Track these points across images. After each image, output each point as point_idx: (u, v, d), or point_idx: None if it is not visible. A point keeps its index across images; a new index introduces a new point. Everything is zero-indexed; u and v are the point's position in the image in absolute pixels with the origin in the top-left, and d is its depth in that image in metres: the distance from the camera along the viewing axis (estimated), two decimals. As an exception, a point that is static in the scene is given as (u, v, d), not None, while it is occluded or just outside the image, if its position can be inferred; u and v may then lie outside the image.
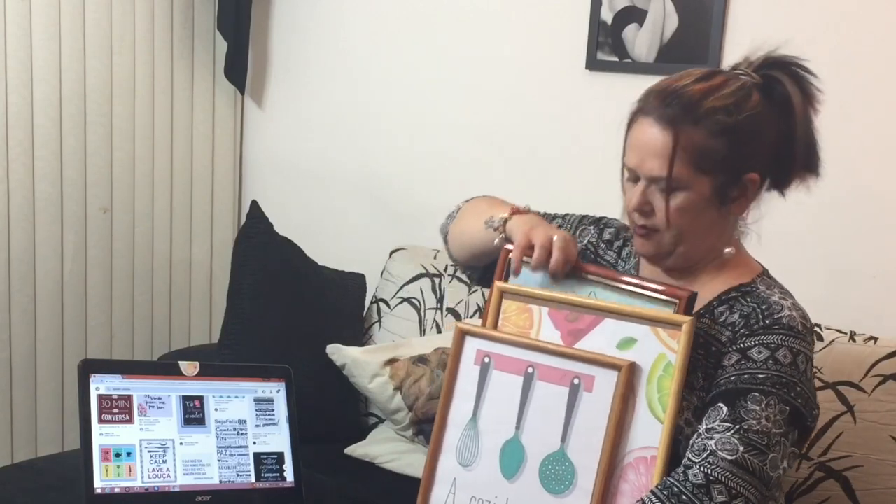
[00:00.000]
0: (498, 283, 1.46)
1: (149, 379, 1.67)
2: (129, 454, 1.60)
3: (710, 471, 1.23)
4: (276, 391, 1.75)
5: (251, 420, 1.71)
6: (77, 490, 1.57)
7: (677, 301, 1.34)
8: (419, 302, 2.41)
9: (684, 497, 1.22)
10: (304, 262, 2.45)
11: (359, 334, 2.48)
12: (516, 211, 1.52)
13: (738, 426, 1.26)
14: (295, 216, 2.83)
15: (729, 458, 1.24)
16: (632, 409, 1.30)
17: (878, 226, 1.95)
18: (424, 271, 2.43)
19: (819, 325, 1.80)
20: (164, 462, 1.62)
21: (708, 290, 1.41)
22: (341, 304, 2.46)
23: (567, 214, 1.64)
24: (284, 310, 2.34)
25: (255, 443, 1.70)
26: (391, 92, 2.76)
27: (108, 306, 2.86)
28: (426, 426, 2.15)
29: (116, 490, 1.57)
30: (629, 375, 1.29)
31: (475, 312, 2.26)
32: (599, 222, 1.60)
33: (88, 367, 1.63)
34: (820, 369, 1.74)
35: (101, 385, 1.62)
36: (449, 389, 1.45)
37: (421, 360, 2.21)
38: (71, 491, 1.63)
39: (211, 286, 3.14)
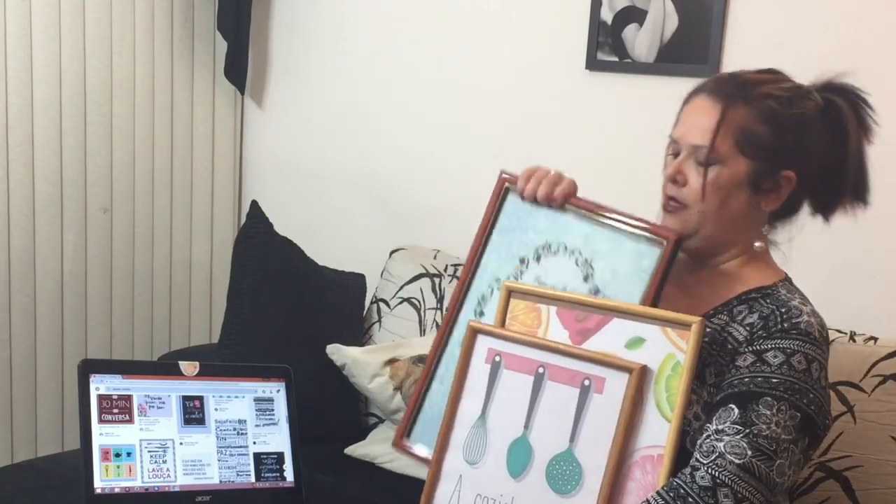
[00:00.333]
0: (507, 283, 1.47)
1: (149, 379, 1.67)
2: (129, 454, 1.60)
3: (717, 473, 1.23)
4: (276, 391, 1.75)
5: (251, 420, 1.71)
6: (77, 490, 1.57)
7: (664, 241, 1.38)
8: (419, 302, 2.41)
9: (690, 499, 1.22)
10: (304, 262, 2.45)
11: (359, 334, 2.48)
12: None
13: (748, 430, 1.25)
14: (295, 216, 2.83)
15: (737, 461, 1.23)
16: (640, 409, 1.30)
17: (878, 226, 1.94)
18: (424, 271, 2.43)
19: (819, 325, 1.80)
20: (164, 462, 1.62)
21: (729, 288, 1.42)
22: (341, 304, 2.46)
23: None
24: (284, 310, 2.34)
25: (255, 443, 1.70)
26: (391, 92, 2.76)
27: (108, 306, 2.86)
28: (426, 426, 2.15)
29: (116, 490, 1.57)
30: (640, 378, 1.29)
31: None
32: None
33: (88, 367, 1.63)
34: (820, 369, 1.74)
35: (101, 385, 1.62)
36: (458, 387, 1.45)
37: (421, 360, 2.21)
38: (71, 491, 1.63)
39: (211, 286, 3.14)
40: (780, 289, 1.40)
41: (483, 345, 1.44)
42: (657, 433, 1.27)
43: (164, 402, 1.65)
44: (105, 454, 1.58)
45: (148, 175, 2.91)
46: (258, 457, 1.69)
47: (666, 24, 2.17)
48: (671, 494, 1.23)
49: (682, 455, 1.27)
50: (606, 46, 2.28)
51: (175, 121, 2.96)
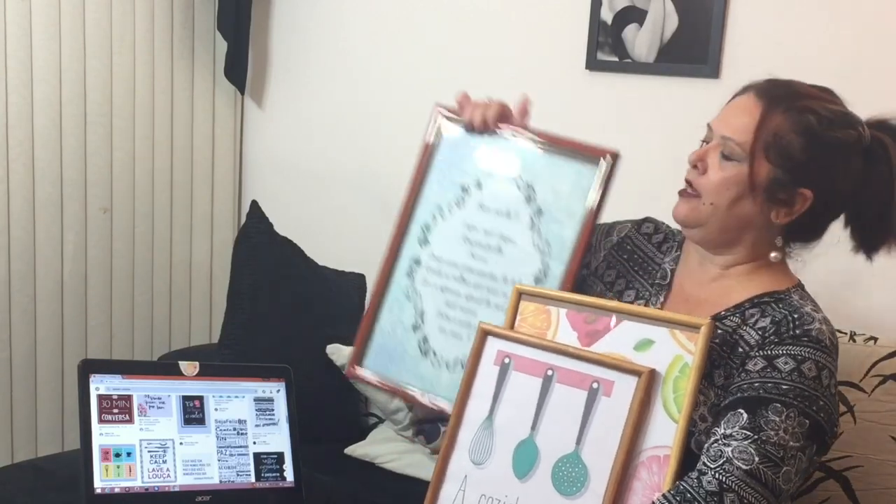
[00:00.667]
0: (517, 286, 1.48)
1: (149, 379, 1.67)
2: (129, 454, 1.60)
3: (724, 479, 1.23)
4: (276, 391, 1.75)
5: (251, 420, 1.71)
6: (77, 490, 1.57)
7: (602, 157, 1.46)
8: (419, 302, 2.41)
9: (696, 503, 1.22)
10: (304, 262, 2.45)
11: (359, 334, 2.48)
12: None
13: (756, 436, 1.25)
14: (295, 216, 2.83)
15: (744, 467, 1.23)
16: (647, 410, 1.30)
17: (878, 226, 1.94)
18: (424, 271, 2.43)
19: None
20: (164, 462, 1.62)
21: (741, 290, 1.41)
22: (341, 304, 2.46)
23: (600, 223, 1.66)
24: (284, 310, 2.34)
25: (255, 443, 1.70)
26: (391, 92, 2.76)
27: (108, 306, 2.86)
28: (426, 426, 2.15)
29: (116, 490, 1.57)
30: (649, 382, 1.29)
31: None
32: (636, 220, 1.62)
33: (88, 367, 1.63)
34: (820, 369, 1.74)
35: (101, 385, 1.62)
36: (467, 388, 1.45)
37: (421, 360, 2.21)
38: (71, 491, 1.62)
39: (211, 286, 3.14)
40: (793, 294, 1.40)
41: (493, 346, 1.45)
42: (664, 434, 1.27)
43: (164, 402, 1.65)
44: (105, 454, 1.58)
45: (148, 175, 2.91)
46: (258, 457, 1.69)
47: (666, 24, 2.17)
48: (678, 498, 1.23)
49: (686, 456, 1.28)
50: (606, 46, 2.28)
51: (175, 121, 2.96)
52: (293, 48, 2.99)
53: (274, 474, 1.70)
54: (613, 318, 1.37)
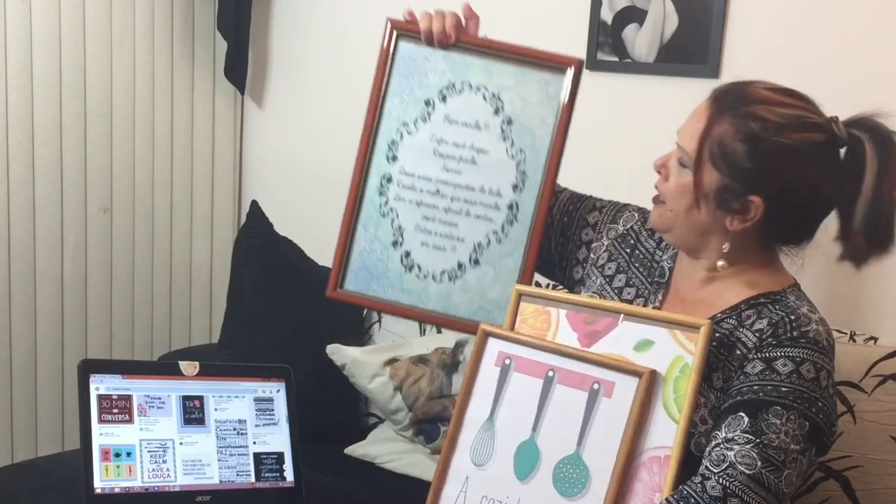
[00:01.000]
0: (517, 287, 1.49)
1: (149, 379, 1.67)
2: (129, 454, 1.60)
3: (728, 484, 1.23)
4: (276, 391, 1.75)
5: (251, 420, 1.71)
6: (77, 490, 1.57)
7: (569, 66, 1.51)
8: (419, 302, 2.41)
9: None
10: (304, 262, 2.45)
11: (359, 334, 2.48)
12: None
13: (758, 440, 1.25)
14: (295, 216, 2.82)
15: (747, 472, 1.23)
16: (648, 411, 1.30)
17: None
18: (424, 271, 2.43)
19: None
20: (164, 462, 1.62)
21: (737, 291, 1.41)
22: (341, 304, 2.46)
23: (612, 200, 1.66)
24: (284, 310, 2.34)
25: (255, 443, 1.70)
26: (391, 92, 2.76)
27: (108, 306, 2.86)
28: (426, 426, 2.15)
29: (116, 490, 1.57)
30: (649, 383, 1.29)
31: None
32: (644, 211, 1.60)
33: (88, 367, 1.63)
34: (820, 369, 1.74)
35: (101, 385, 1.62)
36: (468, 389, 1.45)
37: (421, 360, 2.21)
38: (71, 491, 1.63)
39: (211, 286, 3.14)
40: (789, 295, 1.39)
41: (494, 347, 1.45)
42: (664, 434, 1.27)
43: (164, 402, 1.65)
44: (105, 454, 1.58)
45: (148, 175, 2.91)
46: (258, 457, 1.69)
47: (666, 24, 2.17)
48: (682, 503, 1.23)
49: (686, 458, 1.28)
50: (606, 46, 2.28)
51: (175, 121, 2.96)
52: (293, 48, 2.99)
53: (274, 474, 1.70)
54: (613, 319, 1.37)
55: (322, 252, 2.54)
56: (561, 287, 1.68)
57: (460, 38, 1.56)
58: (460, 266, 1.57)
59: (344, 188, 1.67)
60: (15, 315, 2.64)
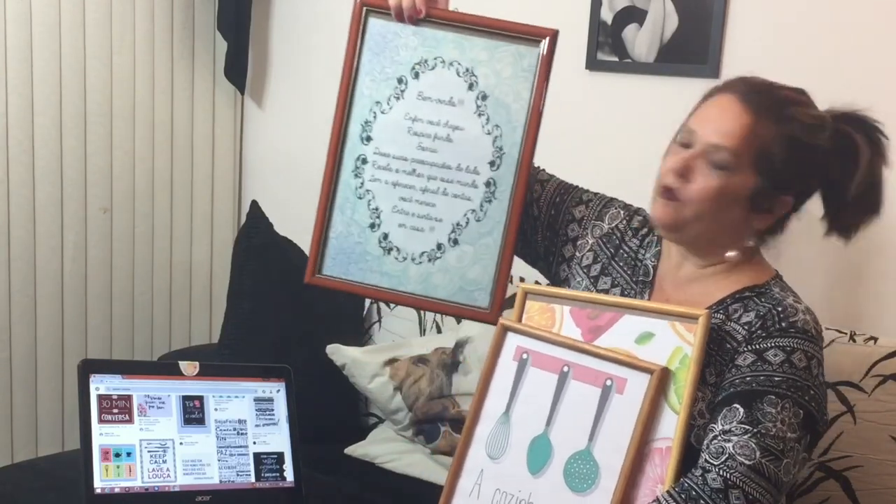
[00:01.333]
0: (522, 286, 1.49)
1: (149, 379, 1.67)
2: (129, 454, 1.60)
3: (728, 475, 1.24)
4: (276, 391, 1.75)
5: (251, 420, 1.71)
6: (77, 490, 1.57)
7: (543, 38, 1.50)
8: (419, 302, 2.41)
9: (702, 501, 1.23)
10: (304, 262, 2.44)
11: (359, 334, 2.48)
12: None
13: (755, 429, 1.26)
14: (295, 216, 2.82)
15: (747, 463, 1.24)
16: (659, 408, 1.31)
17: (878, 225, 1.94)
18: (424, 271, 2.43)
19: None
20: (164, 462, 1.62)
21: (722, 286, 1.42)
22: (341, 304, 2.46)
23: (598, 193, 1.65)
24: (284, 310, 2.34)
25: (255, 443, 1.70)
26: (391, 92, 2.75)
27: (108, 306, 2.86)
28: (426, 426, 2.15)
29: (116, 490, 1.57)
30: (661, 380, 1.29)
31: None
32: (630, 208, 1.60)
33: (88, 367, 1.63)
34: (820, 369, 1.74)
35: (101, 385, 1.62)
36: (485, 383, 1.46)
37: (421, 360, 2.21)
38: (71, 491, 1.62)
39: (211, 286, 3.14)
40: (773, 287, 1.41)
41: (512, 342, 1.46)
42: (666, 425, 1.28)
43: (164, 402, 1.65)
44: (105, 454, 1.58)
45: (148, 175, 2.91)
46: (258, 457, 1.69)
47: (666, 24, 2.17)
48: (683, 496, 1.23)
49: (686, 449, 1.28)
50: (606, 46, 2.28)
51: (175, 121, 2.96)
52: (293, 48, 2.99)
53: (274, 474, 1.70)
54: (615, 314, 1.38)
55: (322, 252, 2.54)
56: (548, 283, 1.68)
57: (431, 12, 1.52)
58: (439, 247, 1.54)
59: (344, 188, 1.66)
60: (15, 315, 2.64)
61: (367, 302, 2.54)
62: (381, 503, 2.00)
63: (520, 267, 1.67)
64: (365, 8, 1.56)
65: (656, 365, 1.30)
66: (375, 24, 1.56)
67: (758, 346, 1.33)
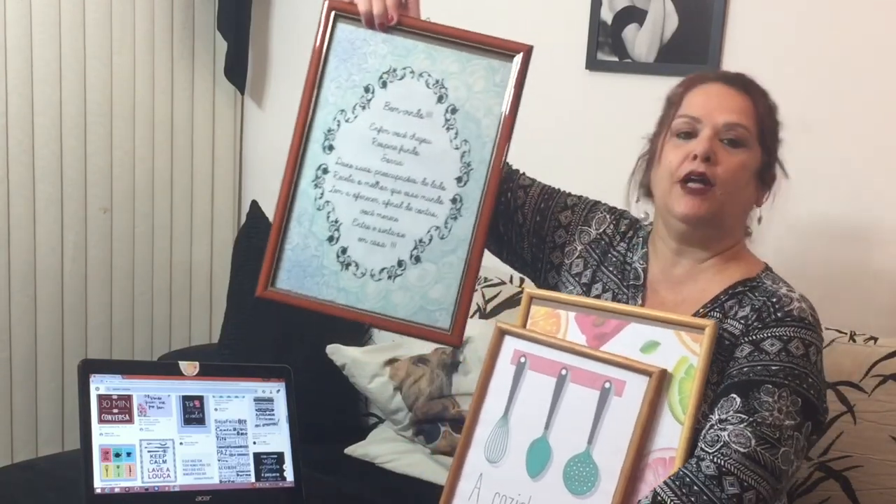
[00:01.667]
0: (528, 290, 1.49)
1: (149, 379, 1.67)
2: (129, 454, 1.60)
3: (722, 462, 1.24)
4: (276, 391, 1.75)
5: (251, 420, 1.71)
6: (77, 490, 1.57)
7: (517, 53, 1.45)
8: (419, 302, 2.40)
9: (696, 488, 1.22)
10: (304, 262, 2.45)
11: (359, 334, 2.48)
12: None
13: (751, 418, 1.26)
14: (295, 216, 2.82)
15: (742, 450, 1.24)
16: (655, 412, 1.30)
17: (877, 225, 1.94)
18: (424, 271, 2.43)
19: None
20: (164, 462, 1.62)
21: (715, 283, 1.42)
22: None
23: (581, 196, 1.64)
24: (284, 310, 2.33)
25: (255, 443, 1.70)
26: (391, 92, 2.75)
27: (108, 306, 2.86)
28: (426, 426, 2.15)
29: (116, 490, 1.57)
30: (659, 382, 1.29)
31: (475, 313, 2.26)
32: (615, 211, 1.60)
33: (88, 367, 1.63)
34: (820, 369, 1.74)
35: (101, 385, 1.62)
36: (483, 386, 1.45)
37: (421, 360, 2.21)
38: (71, 491, 1.63)
39: (211, 286, 3.14)
40: (765, 279, 1.42)
41: (510, 346, 1.45)
42: (670, 436, 1.28)
43: (164, 402, 1.65)
44: (105, 454, 1.58)
45: (148, 175, 2.91)
46: (258, 457, 1.69)
47: (666, 24, 2.17)
48: (677, 483, 1.23)
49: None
50: (606, 46, 2.28)
51: (175, 121, 2.96)
52: (293, 48, 2.99)
53: (274, 474, 1.70)
54: (620, 321, 1.38)
55: (322, 252, 2.54)
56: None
57: (402, 20, 1.48)
58: (400, 263, 1.48)
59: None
60: (15, 315, 2.64)
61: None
62: (381, 503, 1.99)
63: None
64: (333, 12, 1.51)
65: (655, 367, 1.30)
66: (344, 30, 1.51)
67: (755, 338, 1.34)
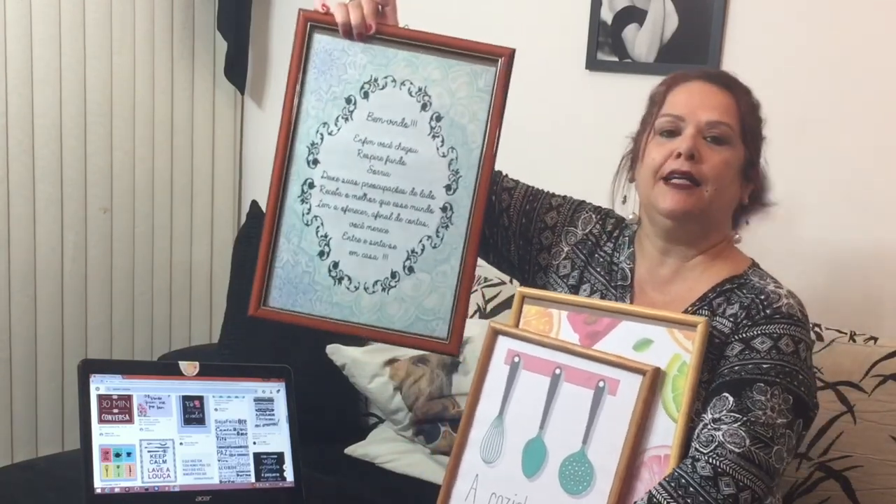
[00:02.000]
0: (520, 289, 1.49)
1: (149, 379, 1.67)
2: (129, 454, 1.60)
3: (717, 463, 1.24)
4: (276, 391, 1.75)
5: (251, 420, 1.71)
6: (77, 490, 1.57)
7: (499, 58, 1.44)
8: (419, 302, 2.40)
9: (692, 489, 1.23)
10: (304, 262, 2.45)
11: (359, 334, 2.47)
12: None
13: (745, 418, 1.26)
14: (295, 216, 2.82)
15: (736, 450, 1.24)
16: (649, 410, 1.30)
17: (878, 225, 1.95)
18: (424, 271, 2.43)
19: (819, 325, 1.80)
20: (164, 462, 1.62)
21: (702, 281, 1.43)
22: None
23: (566, 196, 1.64)
24: (284, 310, 2.34)
25: (255, 443, 1.70)
26: (391, 92, 2.75)
27: (108, 306, 2.86)
28: (426, 426, 2.15)
29: (116, 490, 1.57)
30: (653, 380, 1.30)
31: (475, 313, 2.26)
32: (601, 211, 1.59)
33: (88, 367, 1.63)
34: (820, 369, 1.74)
35: (101, 385, 1.62)
36: (478, 387, 1.45)
37: (421, 360, 2.21)
38: (71, 491, 1.62)
39: (211, 286, 3.14)
40: (752, 276, 1.42)
41: (503, 346, 1.45)
42: (664, 434, 1.28)
43: (164, 402, 1.65)
44: (105, 454, 1.58)
45: (148, 175, 2.91)
46: (258, 457, 1.69)
47: (666, 24, 2.17)
48: (672, 485, 1.24)
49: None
50: (606, 46, 2.28)
51: (175, 121, 2.96)
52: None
53: (274, 474, 1.70)
54: (612, 319, 1.38)
55: (322, 252, 2.54)
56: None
57: (380, 28, 1.46)
58: (394, 275, 1.47)
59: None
60: (15, 315, 2.64)
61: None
62: (381, 503, 1.99)
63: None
64: (309, 23, 1.49)
65: (648, 365, 1.30)
66: (321, 41, 1.50)
67: (744, 335, 1.34)
